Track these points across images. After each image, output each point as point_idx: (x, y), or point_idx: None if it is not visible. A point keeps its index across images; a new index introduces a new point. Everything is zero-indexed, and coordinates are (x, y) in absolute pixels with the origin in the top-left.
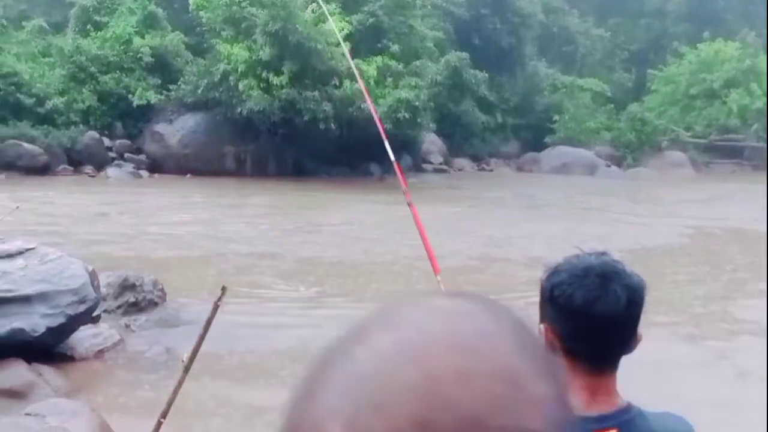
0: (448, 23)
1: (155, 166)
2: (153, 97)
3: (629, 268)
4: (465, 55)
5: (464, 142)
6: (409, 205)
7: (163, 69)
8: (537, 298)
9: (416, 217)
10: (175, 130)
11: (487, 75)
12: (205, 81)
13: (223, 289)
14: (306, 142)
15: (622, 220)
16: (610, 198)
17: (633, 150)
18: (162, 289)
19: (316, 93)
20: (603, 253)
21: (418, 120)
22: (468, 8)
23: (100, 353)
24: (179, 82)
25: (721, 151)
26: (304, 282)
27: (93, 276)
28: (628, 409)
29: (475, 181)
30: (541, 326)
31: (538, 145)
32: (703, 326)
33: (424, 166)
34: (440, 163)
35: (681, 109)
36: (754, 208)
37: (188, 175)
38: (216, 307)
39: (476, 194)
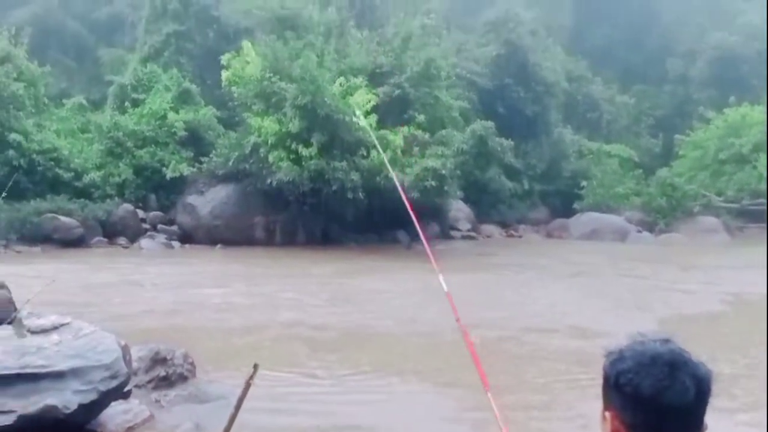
0: (473, 93)
1: (187, 237)
2: (186, 170)
3: (696, 358)
4: (490, 123)
5: (491, 208)
6: (457, 321)
7: (196, 142)
8: (581, 369)
9: (466, 336)
10: (207, 201)
11: (512, 142)
12: (236, 153)
13: (255, 366)
14: (334, 210)
15: (662, 287)
16: (646, 264)
17: (664, 215)
18: (192, 363)
19: (344, 163)
20: (668, 340)
21: (445, 188)
22: (491, 78)
23: (130, 430)
24: (211, 155)
25: (754, 215)
26: (340, 355)
27: (125, 350)
28: None
29: (505, 247)
30: (607, 414)
31: (567, 212)
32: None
33: (452, 233)
34: (468, 230)
35: (711, 174)
36: None
37: (218, 246)
38: (248, 386)
39: (508, 261)
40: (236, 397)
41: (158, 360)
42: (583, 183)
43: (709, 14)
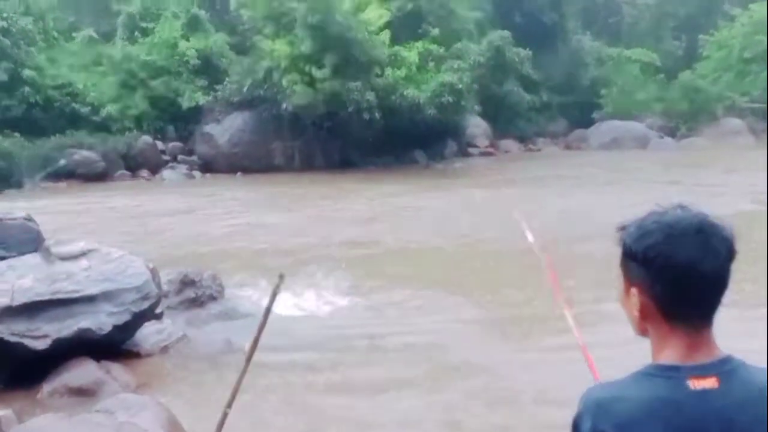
0: (487, 2)
1: (207, 166)
2: (201, 99)
3: (717, 218)
4: (507, 33)
5: (509, 123)
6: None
7: (209, 70)
8: None
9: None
10: (224, 130)
11: (530, 52)
12: (250, 79)
13: (281, 276)
14: (351, 133)
15: (693, 190)
16: (673, 169)
17: (687, 120)
18: (220, 284)
19: (359, 83)
20: (685, 207)
21: (462, 103)
22: None
23: (165, 349)
24: (225, 82)
25: None
26: (366, 270)
27: (154, 273)
28: (728, 359)
29: (525, 161)
30: (633, 290)
31: (586, 122)
32: None
33: (470, 149)
34: (486, 146)
35: (736, 75)
36: None
37: (239, 174)
38: (275, 295)
39: (532, 174)
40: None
41: (187, 282)
42: (603, 91)
43: None
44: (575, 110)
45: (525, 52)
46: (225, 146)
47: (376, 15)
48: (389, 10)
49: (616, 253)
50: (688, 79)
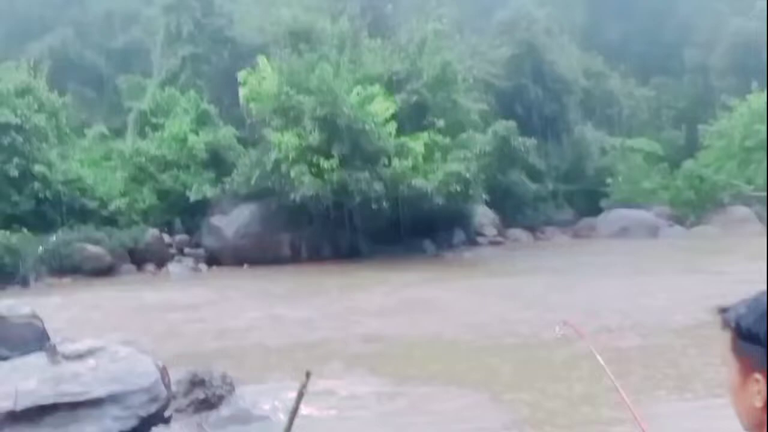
0: (490, 95)
1: (213, 259)
2: (209, 191)
3: None
4: (512, 123)
5: (517, 212)
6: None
7: (217, 163)
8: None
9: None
10: (231, 222)
11: (536, 141)
12: (258, 171)
13: (308, 374)
14: (359, 223)
15: (725, 277)
16: (699, 256)
17: (694, 208)
18: (231, 383)
19: (366, 173)
20: None
21: (470, 192)
22: (508, 79)
23: None
24: (233, 175)
25: None
26: (383, 367)
27: (164, 373)
28: None
29: (537, 250)
30: (758, 376)
31: (592, 211)
32: None
33: (478, 239)
34: (494, 235)
35: (738, 163)
36: None
37: (245, 266)
38: (301, 395)
39: (550, 264)
40: (286, 415)
41: (196, 382)
42: (609, 180)
43: (727, 1)
44: (582, 199)
45: (530, 142)
46: (232, 238)
47: (382, 107)
48: (395, 103)
49: (665, 343)
50: (692, 168)
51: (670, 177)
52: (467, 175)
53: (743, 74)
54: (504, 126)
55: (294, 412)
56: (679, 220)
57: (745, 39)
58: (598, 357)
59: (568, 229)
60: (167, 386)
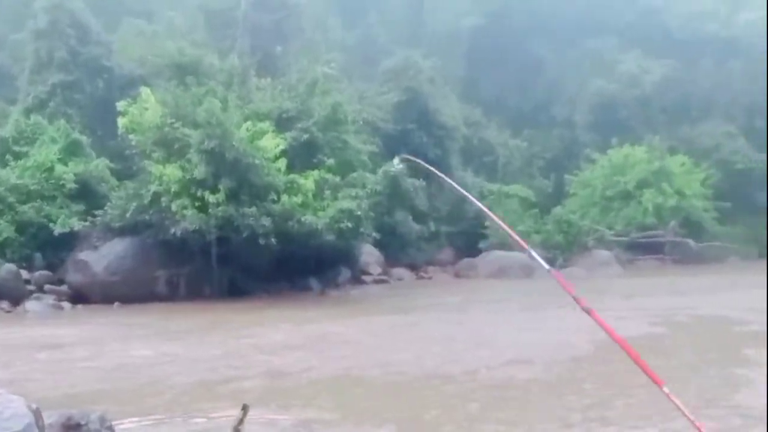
0: (377, 138)
1: (79, 297)
2: (76, 224)
3: None
4: (402, 165)
5: (400, 251)
6: (589, 312)
7: (87, 195)
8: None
9: (601, 322)
10: (101, 257)
11: (424, 183)
12: (135, 204)
13: (245, 408)
14: (243, 260)
15: (602, 314)
16: (564, 296)
17: (563, 251)
18: (110, 427)
19: (254, 209)
20: None
21: (361, 230)
22: (394, 124)
23: None
24: (106, 207)
25: (642, 247)
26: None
27: (37, 415)
28: None
29: (421, 289)
30: None
31: (472, 251)
32: None
33: (363, 277)
34: (379, 274)
35: (600, 210)
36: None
37: (116, 304)
38: None
39: (439, 301)
40: None
41: (71, 426)
42: (487, 223)
43: (590, 64)
44: (462, 240)
45: (419, 183)
46: (101, 274)
47: (272, 143)
48: (285, 140)
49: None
50: (560, 214)
51: (541, 222)
52: (358, 213)
53: (604, 130)
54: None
55: None
56: (550, 262)
57: (604, 99)
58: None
59: (449, 269)
60: (41, 430)
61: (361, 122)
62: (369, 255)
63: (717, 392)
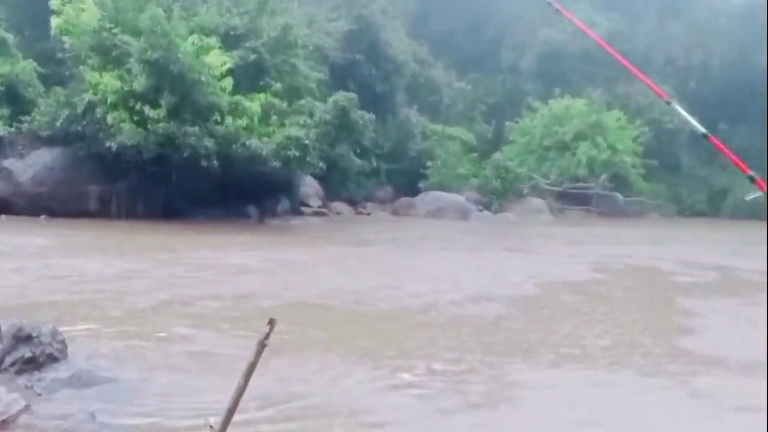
0: (325, 66)
1: (3, 206)
2: (1, 130)
3: None
4: (353, 95)
5: (340, 185)
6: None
7: (13, 99)
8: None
9: None
10: (27, 166)
11: (374, 116)
12: (66, 112)
13: (272, 321)
14: (180, 181)
15: (547, 259)
16: (508, 239)
17: (499, 196)
18: (63, 341)
19: (197, 128)
20: None
21: (308, 159)
22: (343, 53)
23: (3, 424)
24: (33, 114)
25: (572, 198)
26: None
27: None
28: None
29: (361, 223)
30: None
31: (412, 190)
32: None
33: (303, 208)
34: (318, 206)
35: (537, 159)
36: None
37: (43, 216)
38: (262, 347)
39: (377, 237)
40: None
41: (21, 338)
42: (429, 163)
43: (539, 12)
44: (402, 178)
45: (369, 116)
46: (27, 184)
47: (218, 61)
48: (232, 58)
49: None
50: (499, 160)
51: (479, 166)
52: (306, 142)
53: (548, 80)
54: (345, 97)
55: (252, 367)
56: (486, 206)
57: (551, 49)
58: None
59: (387, 206)
60: None
61: (311, 48)
62: (308, 186)
63: (666, 337)
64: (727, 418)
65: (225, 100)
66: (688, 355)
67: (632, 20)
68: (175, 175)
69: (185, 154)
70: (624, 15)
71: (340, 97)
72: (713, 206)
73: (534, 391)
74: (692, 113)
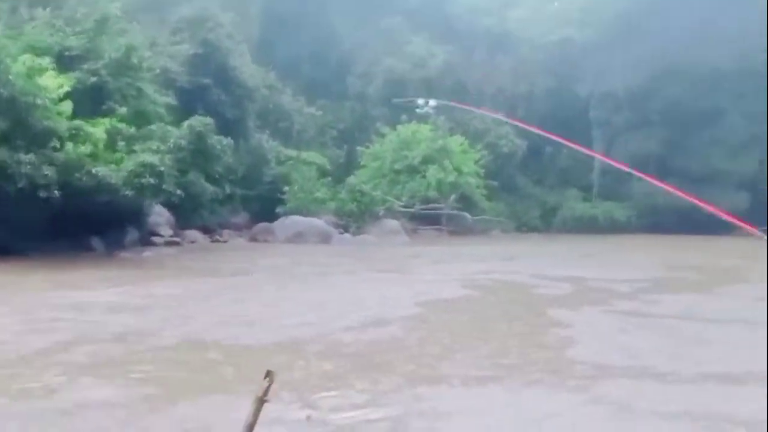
0: (172, 90)
1: None
2: None
3: None
4: (209, 120)
5: (193, 213)
6: None
7: None
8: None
9: None
10: None
11: (232, 141)
12: None
13: (270, 374)
14: (13, 214)
15: (415, 280)
16: (375, 262)
17: (356, 218)
18: None
19: (31, 155)
20: None
21: (164, 186)
22: (189, 76)
23: None
24: None
25: (424, 218)
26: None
27: None
28: None
29: (217, 252)
30: None
31: (268, 216)
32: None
33: (153, 239)
34: (170, 236)
35: (389, 182)
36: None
37: None
38: (261, 404)
39: (236, 266)
40: None
41: None
42: (285, 188)
43: (382, 42)
44: (258, 204)
45: (227, 141)
46: None
47: (54, 83)
48: (69, 80)
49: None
50: (354, 183)
51: (334, 190)
52: (161, 169)
53: (393, 106)
54: (200, 122)
55: (251, 427)
56: (345, 229)
57: (395, 77)
58: None
59: (244, 233)
60: None
61: (158, 71)
62: (158, 215)
63: (555, 349)
64: (642, 422)
65: (64, 125)
66: (581, 364)
67: (466, 53)
68: (8, 208)
69: (20, 185)
70: (459, 48)
71: (196, 122)
72: (545, 222)
73: (449, 414)
74: (522, 137)
